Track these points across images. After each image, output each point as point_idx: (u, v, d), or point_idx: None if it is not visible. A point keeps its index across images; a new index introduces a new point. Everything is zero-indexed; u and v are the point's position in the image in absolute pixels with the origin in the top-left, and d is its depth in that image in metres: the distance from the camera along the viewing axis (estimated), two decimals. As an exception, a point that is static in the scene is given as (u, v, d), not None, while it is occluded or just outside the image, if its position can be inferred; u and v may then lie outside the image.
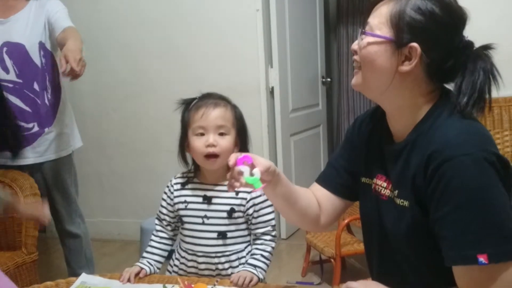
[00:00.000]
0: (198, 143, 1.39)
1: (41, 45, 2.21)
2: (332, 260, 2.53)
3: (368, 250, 1.24)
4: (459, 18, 1.03)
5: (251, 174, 1.05)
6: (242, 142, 1.45)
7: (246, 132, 1.48)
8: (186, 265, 1.45)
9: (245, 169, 1.05)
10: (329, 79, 4.14)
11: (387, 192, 1.11)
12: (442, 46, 1.02)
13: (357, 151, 1.23)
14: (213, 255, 1.42)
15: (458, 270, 0.96)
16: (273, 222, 1.45)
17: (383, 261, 1.16)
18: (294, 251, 3.19)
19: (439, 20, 1.01)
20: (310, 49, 3.81)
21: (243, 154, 1.08)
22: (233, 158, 1.07)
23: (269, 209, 1.45)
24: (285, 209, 1.21)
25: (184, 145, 1.45)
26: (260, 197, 1.43)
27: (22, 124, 2.22)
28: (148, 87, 3.46)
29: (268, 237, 1.44)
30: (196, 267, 1.43)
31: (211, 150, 1.38)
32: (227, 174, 1.09)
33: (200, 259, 1.43)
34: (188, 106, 1.45)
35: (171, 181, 1.50)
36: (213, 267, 1.42)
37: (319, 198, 1.26)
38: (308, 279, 2.77)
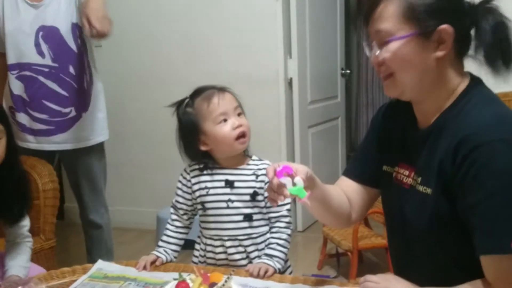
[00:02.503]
0: (226, 129, 1.39)
1: (75, 27, 2.18)
2: (349, 253, 2.51)
3: (389, 239, 1.23)
4: None
5: (293, 184, 1.00)
6: None
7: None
8: (214, 252, 1.44)
9: (287, 180, 0.99)
10: (348, 71, 4.09)
11: (409, 180, 1.09)
12: (460, 15, 1.00)
13: (382, 139, 1.21)
14: (241, 237, 1.41)
15: (488, 260, 0.93)
16: (287, 206, 1.43)
17: (404, 250, 1.14)
18: (310, 244, 3.17)
19: None
20: (329, 40, 3.77)
21: (282, 165, 1.03)
22: (271, 170, 1.02)
23: None
24: (320, 211, 1.18)
25: (197, 146, 1.43)
26: None
27: (60, 109, 2.20)
28: (166, 77, 3.46)
29: (282, 224, 1.42)
30: (225, 252, 1.42)
31: (240, 130, 1.39)
32: (265, 188, 1.08)
33: (228, 243, 1.41)
34: (181, 106, 1.44)
35: (185, 169, 1.49)
36: (242, 249, 1.41)
37: (348, 193, 1.24)
38: (324, 272, 2.75)
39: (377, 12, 1.01)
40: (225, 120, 1.39)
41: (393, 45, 0.99)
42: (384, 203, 1.22)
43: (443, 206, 0.99)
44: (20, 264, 1.53)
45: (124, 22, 3.48)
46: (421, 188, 1.04)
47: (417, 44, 0.99)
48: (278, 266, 1.34)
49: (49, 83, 2.18)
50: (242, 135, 1.39)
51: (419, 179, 1.05)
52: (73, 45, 2.18)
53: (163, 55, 3.45)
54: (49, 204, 2.12)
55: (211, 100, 1.39)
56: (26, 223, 1.60)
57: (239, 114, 1.42)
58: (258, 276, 1.27)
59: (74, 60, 2.19)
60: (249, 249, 1.41)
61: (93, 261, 2.36)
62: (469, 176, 0.93)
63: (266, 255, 1.37)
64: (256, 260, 1.38)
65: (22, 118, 2.23)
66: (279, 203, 1.06)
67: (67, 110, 2.22)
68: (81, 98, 2.24)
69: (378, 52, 1.02)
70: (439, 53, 1.00)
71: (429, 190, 1.02)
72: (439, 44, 0.99)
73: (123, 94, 3.58)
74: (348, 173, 1.27)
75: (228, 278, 1.16)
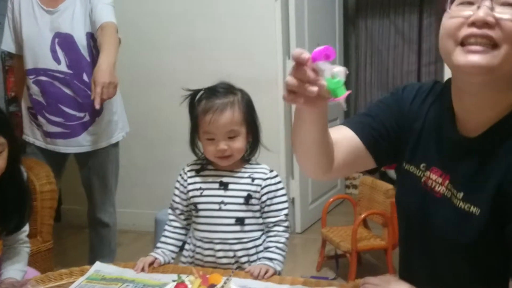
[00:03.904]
0: (209, 148, 1.38)
1: (90, 36, 2.19)
2: (348, 255, 2.50)
3: (404, 245, 1.13)
4: None
5: (332, 76, 0.74)
6: (253, 131, 1.43)
7: (255, 120, 1.43)
8: (202, 254, 1.42)
9: (326, 66, 0.73)
10: (347, 72, 4.08)
11: (442, 189, 0.97)
12: None
13: (406, 129, 1.05)
14: (231, 241, 1.40)
15: None
16: (285, 211, 1.42)
17: (425, 259, 1.04)
18: (309, 246, 3.16)
19: None
20: (328, 42, 3.75)
21: (324, 45, 0.76)
22: (301, 52, 0.74)
23: (283, 198, 1.42)
24: (316, 141, 0.96)
25: (195, 137, 1.44)
26: (274, 185, 1.41)
27: (74, 113, 2.24)
28: (165, 78, 3.45)
29: (280, 228, 1.41)
30: (214, 255, 1.41)
31: (222, 155, 1.37)
32: (289, 78, 0.78)
33: (218, 246, 1.40)
34: (194, 98, 1.42)
35: (183, 169, 1.49)
36: (231, 254, 1.40)
37: (339, 139, 1.04)
38: (323, 273, 2.74)
39: None
40: (212, 139, 1.38)
41: None
42: (402, 204, 1.10)
43: (491, 228, 0.89)
44: (17, 267, 1.52)
45: (121, 25, 3.46)
46: (463, 205, 0.93)
47: None
48: (278, 268, 1.34)
49: (64, 88, 2.21)
50: (224, 157, 1.38)
51: (460, 194, 0.94)
52: (86, 54, 2.20)
53: (161, 57, 3.44)
54: (46, 206, 2.11)
55: (205, 116, 1.37)
56: (25, 228, 1.59)
57: (231, 137, 1.37)
58: (258, 276, 1.27)
59: (88, 68, 2.21)
60: (239, 253, 1.40)
61: (94, 259, 2.38)
62: None
63: (265, 258, 1.36)
64: (245, 266, 1.38)
65: (40, 120, 2.27)
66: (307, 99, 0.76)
67: (81, 114, 2.25)
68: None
69: (498, 10, 0.83)
70: None
71: (475, 209, 0.91)
72: None
73: (122, 96, 3.56)
74: (351, 125, 1.07)
75: (227, 279, 1.16)
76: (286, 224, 1.42)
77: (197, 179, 1.45)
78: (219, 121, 1.35)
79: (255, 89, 1.57)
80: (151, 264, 1.37)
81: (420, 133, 1.03)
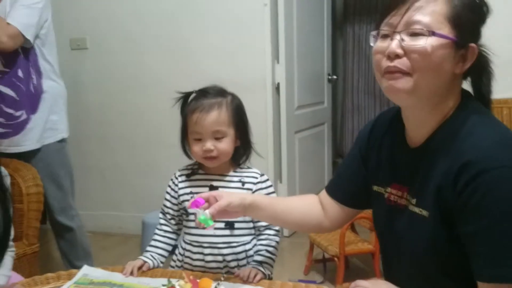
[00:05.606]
0: (196, 148, 1.38)
1: None
2: (336, 259, 2.51)
3: (383, 258, 1.20)
4: (488, 10, 0.99)
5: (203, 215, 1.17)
6: (242, 135, 1.43)
7: (245, 124, 1.44)
8: (191, 258, 1.42)
9: (196, 211, 1.17)
10: (335, 77, 4.11)
11: (403, 201, 1.06)
12: (479, 42, 1.00)
13: (367, 157, 1.19)
14: (220, 245, 1.39)
15: (487, 287, 0.90)
16: None
17: (400, 272, 1.10)
18: (297, 249, 3.17)
19: (484, 16, 0.98)
20: (316, 46, 3.78)
21: (196, 197, 1.19)
22: (188, 202, 1.19)
23: None
24: (276, 223, 1.30)
25: (185, 139, 1.43)
26: (265, 189, 1.42)
27: (12, 112, 2.23)
28: (152, 80, 3.43)
29: (271, 232, 1.42)
30: (203, 259, 1.40)
31: (208, 155, 1.37)
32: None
33: (207, 250, 1.40)
34: (186, 100, 1.43)
35: (175, 173, 1.48)
36: (221, 258, 1.39)
37: (325, 204, 1.27)
38: (311, 277, 2.74)
39: (420, 2, 0.94)
40: (199, 139, 1.38)
41: (431, 41, 0.92)
42: (376, 223, 1.19)
43: (441, 229, 0.96)
44: (1, 273, 1.49)
45: (107, 26, 3.45)
46: (416, 210, 1.01)
47: (450, 51, 0.94)
48: (267, 272, 1.34)
49: (2, 88, 2.20)
50: (210, 158, 1.38)
51: (414, 200, 1.02)
52: (19, 49, 2.19)
53: (148, 59, 3.42)
54: (32, 208, 2.08)
55: (192, 115, 1.37)
56: (10, 232, 1.56)
57: (218, 138, 1.37)
58: (248, 279, 1.26)
59: (21, 64, 2.21)
60: (228, 258, 1.39)
61: (70, 264, 2.35)
62: (471, 203, 0.89)
63: (255, 261, 1.36)
64: (235, 270, 1.37)
65: None
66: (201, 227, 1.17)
67: (18, 113, 2.25)
68: (29, 101, 2.26)
69: (406, 41, 0.94)
70: (458, 70, 0.97)
71: (425, 213, 0.98)
72: (463, 60, 0.97)
73: (107, 97, 3.54)
74: (328, 190, 1.29)
75: (218, 284, 1.15)
76: (277, 227, 1.43)
77: (188, 183, 1.44)
78: (205, 120, 1.35)
79: (243, 93, 1.58)
80: (140, 267, 1.35)
81: (380, 155, 1.14)
